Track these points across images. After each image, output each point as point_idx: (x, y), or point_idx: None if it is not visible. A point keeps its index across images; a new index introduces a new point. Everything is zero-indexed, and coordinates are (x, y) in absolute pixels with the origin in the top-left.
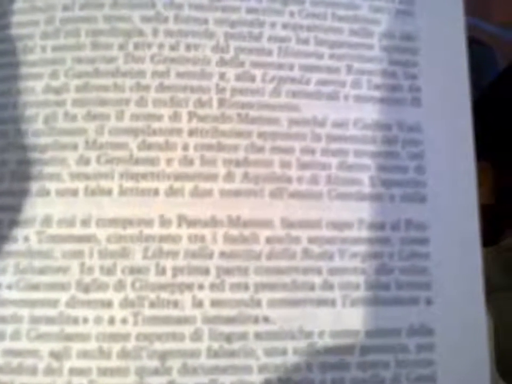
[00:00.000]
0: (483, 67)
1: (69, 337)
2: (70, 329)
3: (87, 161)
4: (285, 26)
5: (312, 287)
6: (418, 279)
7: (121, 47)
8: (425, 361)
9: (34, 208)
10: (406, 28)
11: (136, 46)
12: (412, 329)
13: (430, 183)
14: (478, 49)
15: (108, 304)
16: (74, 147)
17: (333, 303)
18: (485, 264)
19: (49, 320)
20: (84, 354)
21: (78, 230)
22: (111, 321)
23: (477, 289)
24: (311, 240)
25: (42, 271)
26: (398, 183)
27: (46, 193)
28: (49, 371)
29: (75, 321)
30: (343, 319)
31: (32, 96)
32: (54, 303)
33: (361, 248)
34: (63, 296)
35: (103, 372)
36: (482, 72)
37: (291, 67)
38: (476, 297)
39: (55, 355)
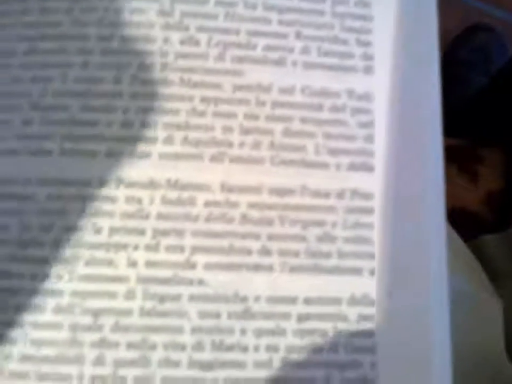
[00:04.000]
0: (492, 53)
1: (3, 292)
2: (6, 284)
3: (30, 123)
4: None
5: (249, 252)
6: (361, 249)
7: (68, 11)
8: (365, 332)
9: None
10: None
11: (82, 11)
12: (353, 299)
13: (378, 153)
14: (487, 35)
15: (44, 260)
16: (19, 109)
17: (270, 268)
18: (493, 250)
19: None
20: (19, 308)
21: (19, 189)
22: (46, 277)
23: (424, 261)
24: (250, 205)
25: None
26: (345, 152)
27: None
28: None
29: (10, 276)
30: (280, 285)
31: None
32: None
33: (303, 215)
34: (2, 252)
35: (37, 326)
36: (491, 58)
37: (237, 32)
38: (422, 270)
39: None
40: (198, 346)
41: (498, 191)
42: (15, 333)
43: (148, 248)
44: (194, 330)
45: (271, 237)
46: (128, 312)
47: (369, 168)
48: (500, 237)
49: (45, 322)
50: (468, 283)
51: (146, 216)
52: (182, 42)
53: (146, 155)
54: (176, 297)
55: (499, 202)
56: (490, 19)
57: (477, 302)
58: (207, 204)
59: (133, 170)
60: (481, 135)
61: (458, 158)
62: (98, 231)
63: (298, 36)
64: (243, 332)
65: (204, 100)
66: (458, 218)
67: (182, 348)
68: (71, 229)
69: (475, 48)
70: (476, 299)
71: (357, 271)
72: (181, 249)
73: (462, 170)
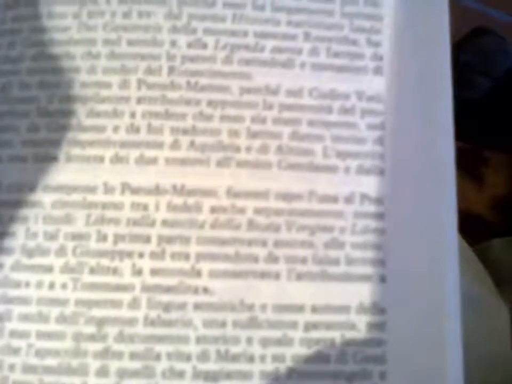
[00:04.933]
0: (495, 56)
1: (11, 300)
2: (12, 292)
3: (37, 129)
4: None
5: (255, 259)
6: (371, 255)
7: (75, 16)
8: (375, 340)
9: None
10: None
11: (90, 15)
12: (362, 307)
13: (389, 156)
14: (490, 38)
15: (49, 269)
16: (26, 115)
17: (277, 276)
18: (499, 255)
19: None
20: (24, 318)
21: (25, 196)
22: (51, 286)
23: (436, 268)
24: (257, 211)
25: None
26: (354, 155)
27: None
28: None
29: (17, 285)
30: (287, 293)
31: None
32: None
33: (310, 221)
34: (8, 260)
35: (41, 335)
36: (494, 61)
37: (245, 34)
38: (435, 277)
39: None
40: (203, 356)
41: (504, 194)
42: (19, 343)
43: (153, 255)
44: (199, 339)
45: (278, 244)
46: (132, 322)
47: (379, 172)
48: (506, 241)
49: (48, 331)
50: (474, 287)
51: (152, 223)
52: (189, 45)
53: (153, 160)
54: (181, 306)
55: (505, 206)
56: (491, 22)
57: (484, 306)
58: (213, 210)
59: (139, 176)
60: (486, 138)
61: (463, 160)
62: (103, 238)
63: (307, 37)
64: (249, 341)
65: (210, 103)
66: (463, 221)
67: (187, 358)
68: (75, 236)
69: (478, 50)
70: (483, 303)
71: (366, 278)
72: (186, 256)
73: (467, 173)
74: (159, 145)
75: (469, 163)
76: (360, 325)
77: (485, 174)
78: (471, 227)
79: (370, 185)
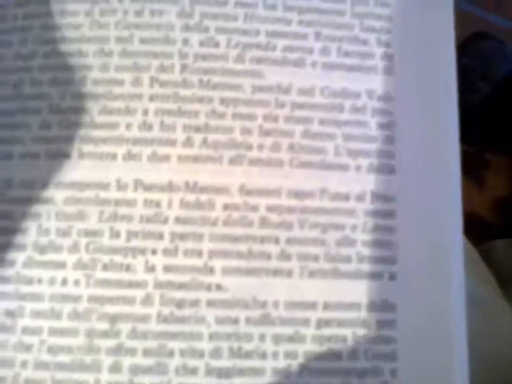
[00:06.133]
0: (494, 60)
1: (23, 297)
2: (24, 289)
3: (49, 126)
4: None
5: (268, 257)
6: (382, 253)
7: (88, 14)
8: (385, 338)
9: None
10: None
11: (102, 13)
12: (373, 304)
13: (399, 155)
14: (489, 42)
15: (62, 265)
16: (38, 112)
17: (289, 273)
18: (501, 255)
19: (5, 280)
20: (37, 314)
21: (37, 193)
22: (64, 282)
23: (444, 266)
24: (270, 208)
25: (1, 232)
26: (365, 153)
27: (9, 156)
28: (2, 329)
29: (30, 281)
30: (299, 290)
31: (1, 63)
32: (11, 263)
33: (322, 219)
34: (20, 257)
35: (54, 332)
36: (492, 65)
37: (257, 33)
38: (443, 274)
39: (9, 314)
40: (216, 353)
41: (505, 196)
42: (32, 339)
43: (166, 252)
44: (212, 336)
45: (290, 241)
46: (145, 318)
47: (390, 170)
48: (509, 242)
49: (61, 328)
50: (478, 288)
51: (165, 220)
52: (202, 43)
53: (166, 158)
54: (194, 303)
55: (506, 208)
56: (490, 27)
57: (488, 307)
58: (226, 207)
59: (151, 173)
60: (487, 141)
61: (464, 163)
62: (116, 235)
63: (317, 36)
64: (262, 338)
65: (223, 101)
66: (466, 222)
67: (200, 354)
68: (88, 233)
69: (478, 55)
70: (487, 304)
71: (377, 276)
72: (199, 253)
73: (468, 175)
74: (171, 143)
75: (470, 165)
76: (371, 322)
77: (486, 176)
78: (473, 227)
79: (381, 183)
